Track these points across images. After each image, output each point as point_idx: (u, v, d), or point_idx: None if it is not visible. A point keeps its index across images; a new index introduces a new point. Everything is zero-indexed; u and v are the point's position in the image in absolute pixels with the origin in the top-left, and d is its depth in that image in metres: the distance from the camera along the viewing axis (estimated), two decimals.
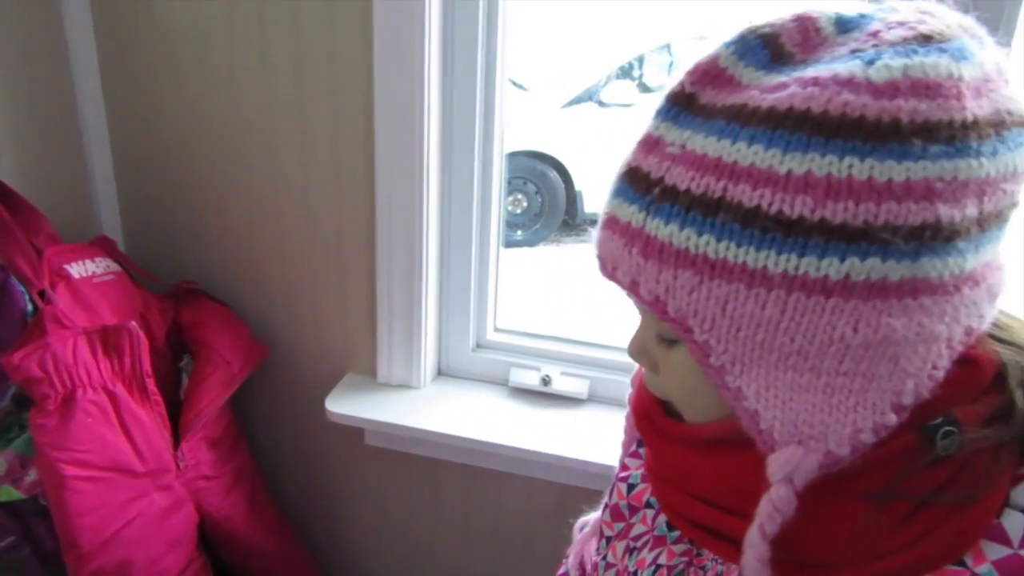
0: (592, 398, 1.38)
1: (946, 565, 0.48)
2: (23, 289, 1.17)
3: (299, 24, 1.24)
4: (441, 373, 1.48)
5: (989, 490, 0.48)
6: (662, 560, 0.65)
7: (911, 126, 0.43)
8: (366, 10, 1.18)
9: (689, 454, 0.59)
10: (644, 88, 4.02)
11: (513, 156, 3.93)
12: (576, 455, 1.25)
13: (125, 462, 1.20)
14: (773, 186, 0.44)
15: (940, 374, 0.47)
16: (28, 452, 1.17)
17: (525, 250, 4.19)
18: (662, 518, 0.67)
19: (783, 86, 0.46)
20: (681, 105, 0.50)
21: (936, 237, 0.44)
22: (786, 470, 0.47)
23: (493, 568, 1.54)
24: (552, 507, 1.41)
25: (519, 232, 4.20)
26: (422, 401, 1.41)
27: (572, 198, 4.14)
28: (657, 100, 0.52)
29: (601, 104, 4.01)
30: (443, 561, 1.57)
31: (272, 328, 1.48)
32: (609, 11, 4.02)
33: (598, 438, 1.28)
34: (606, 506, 0.74)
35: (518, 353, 1.44)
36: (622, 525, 0.71)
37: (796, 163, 0.44)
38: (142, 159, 1.44)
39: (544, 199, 4.13)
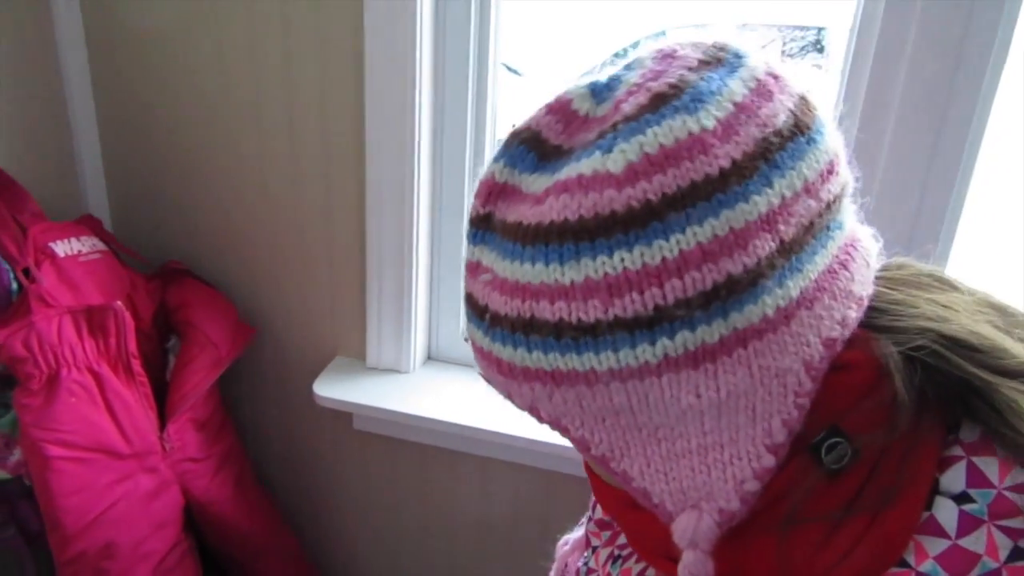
0: None
1: (888, 569, 0.46)
2: (7, 267, 1.16)
3: (287, 7, 1.22)
4: (431, 358, 1.47)
5: (908, 487, 0.47)
6: (650, 573, 0.63)
7: (663, 201, 0.42)
8: None
9: (636, 515, 0.58)
10: None
11: None
12: (564, 442, 1.25)
13: (110, 443, 1.19)
14: (565, 298, 0.45)
15: (806, 401, 0.46)
16: (13, 432, 1.15)
17: None
18: None
19: (544, 196, 0.46)
20: (482, 227, 0.51)
21: (734, 291, 0.43)
22: (687, 537, 0.48)
23: (480, 553, 1.53)
24: (539, 493, 1.40)
25: None
26: (411, 386, 1.40)
27: None
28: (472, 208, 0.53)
29: None
30: (431, 545, 1.57)
31: (260, 310, 1.47)
32: None
33: None
34: (591, 519, 0.73)
35: None
36: (608, 534, 0.70)
37: (574, 272, 0.44)
38: (129, 137, 1.42)
39: None
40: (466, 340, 0.55)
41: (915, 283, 0.52)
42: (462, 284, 0.54)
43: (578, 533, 0.79)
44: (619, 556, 0.67)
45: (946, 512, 0.46)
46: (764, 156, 0.44)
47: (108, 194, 1.48)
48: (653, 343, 0.44)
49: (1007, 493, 0.45)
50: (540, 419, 0.51)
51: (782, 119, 0.45)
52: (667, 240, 0.42)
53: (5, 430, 1.16)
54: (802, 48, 4.81)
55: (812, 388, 0.46)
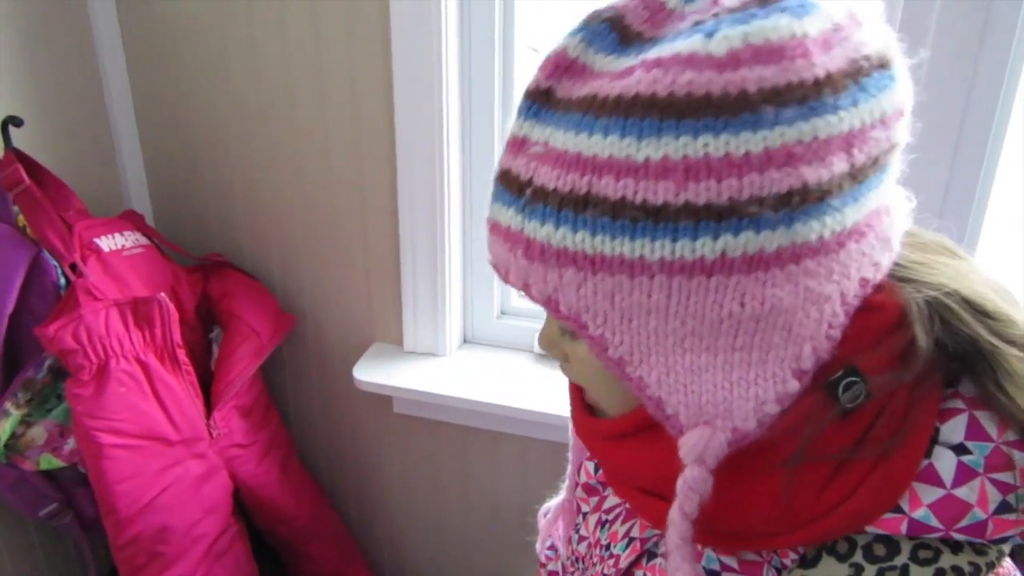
0: None
1: (883, 514, 0.48)
2: (55, 263, 1.19)
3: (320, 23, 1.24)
4: (467, 341, 1.49)
5: (912, 433, 0.48)
6: (635, 533, 0.64)
7: (760, 94, 0.42)
8: None
9: (617, 448, 0.59)
10: None
11: None
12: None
13: (159, 430, 1.23)
14: (634, 175, 0.43)
15: (837, 332, 0.47)
16: (66, 421, 1.20)
17: None
18: None
19: (629, 71, 0.45)
20: (540, 101, 0.50)
21: (806, 200, 0.43)
22: (696, 451, 0.47)
23: (521, 532, 1.55)
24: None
25: None
26: (449, 368, 1.41)
27: None
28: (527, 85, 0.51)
29: None
30: (473, 524, 1.59)
31: (299, 298, 1.50)
32: None
33: None
34: (577, 484, 0.74)
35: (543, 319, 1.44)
36: (596, 499, 0.71)
37: (652, 149, 0.43)
38: (167, 133, 1.46)
39: None
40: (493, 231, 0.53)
41: (931, 248, 0.53)
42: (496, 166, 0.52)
43: (558, 499, 0.79)
44: (606, 520, 0.68)
45: (945, 461, 0.47)
46: (855, 76, 0.44)
47: (149, 189, 1.52)
48: (716, 237, 0.43)
49: (1004, 447, 0.47)
50: (556, 311, 0.49)
51: (872, 48, 0.45)
52: (755, 134, 0.42)
53: (59, 420, 1.20)
54: None
55: (843, 321, 0.47)
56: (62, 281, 1.20)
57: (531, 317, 1.45)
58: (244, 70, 1.34)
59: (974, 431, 0.48)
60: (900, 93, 0.47)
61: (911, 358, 0.48)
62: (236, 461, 1.35)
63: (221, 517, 1.31)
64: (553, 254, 0.47)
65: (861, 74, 0.44)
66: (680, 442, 0.49)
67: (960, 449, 0.47)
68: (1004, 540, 0.47)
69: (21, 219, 1.19)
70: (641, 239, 0.44)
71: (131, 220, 1.38)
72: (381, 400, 1.49)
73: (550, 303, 0.49)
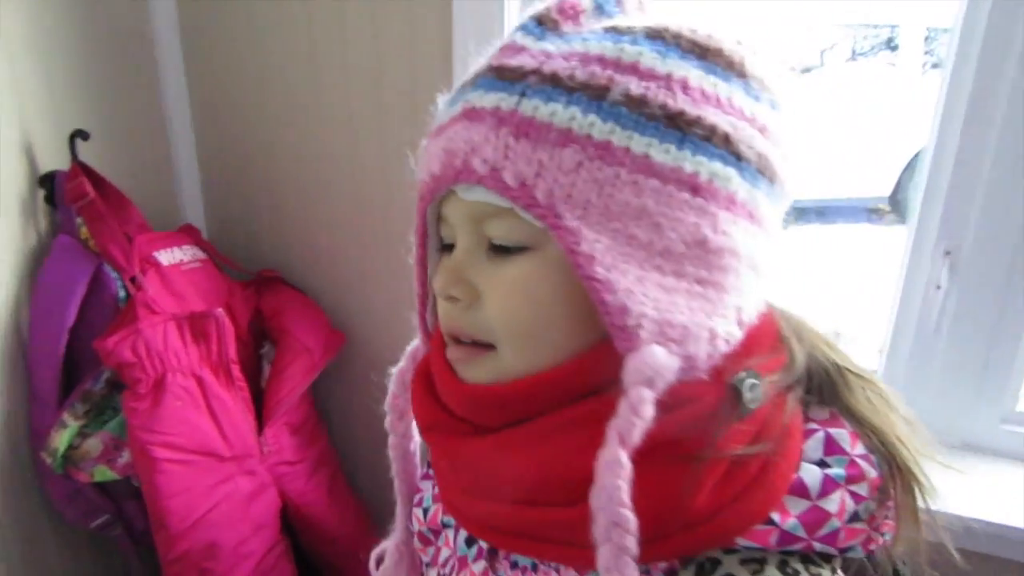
0: None
1: (763, 519, 0.48)
2: (115, 275, 1.20)
3: (378, 20, 1.24)
4: None
5: (789, 443, 0.49)
6: None
7: (753, 75, 0.50)
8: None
9: (497, 451, 0.53)
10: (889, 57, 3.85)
11: None
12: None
13: (212, 446, 1.22)
14: (656, 80, 0.46)
15: (762, 307, 0.52)
16: (122, 434, 1.20)
17: None
18: (462, 535, 0.62)
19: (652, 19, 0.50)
20: (547, 26, 0.51)
21: (771, 175, 0.50)
22: (649, 370, 0.45)
23: None
24: None
25: None
26: None
27: None
28: (519, 21, 0.53)
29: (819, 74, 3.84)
30: None
31: (348, 316, 1.50)
32: None
33: None
34: (412, 533, 0.69)
35: None
36: (432, 550, 0.67)
37: (675, 67, 0.47)
38: (225, 150, 1.47)
39: None
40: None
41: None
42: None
43: (390, 542, 0.72)
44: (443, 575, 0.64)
45: (811, 474, 0.49)
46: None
47: (204, 203, 1.53)
48: (710, 159, 0.47)
49: (858, 460, 0.50)
50: (529, 199, 0.47)
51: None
52: (756, 103, 0.50)
53: (114, 432, 1.20)
54: (873, 47, 4.70)
55: (759, 308, 0.52)
56: (122, 294, 1.21)
57: None
58: (303, 83, 1.35)
59: (830, 447, 0.50)
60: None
61: (790, 368, 0.52)
62: (285, 478, 1.35)
63: (269, 535, 1.30)
64: (552, 132, 0.46)
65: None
66: (629, 360, 0.46)
67: (822, 464, 0.50)
68: (849, 549, 0.50)
69: (84, 231, 1.20)
70: (651, 137, 0.46)
71: (188, 234, 1.39)
72: None
73: (523, 189, 0.47)
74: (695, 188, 0.46)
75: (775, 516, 0.47)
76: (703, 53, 0.48)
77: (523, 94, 0.47)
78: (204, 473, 1.22)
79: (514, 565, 0.57)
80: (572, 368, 0.50)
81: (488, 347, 0.53)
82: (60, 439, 1.15)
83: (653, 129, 0.46)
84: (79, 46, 1.27)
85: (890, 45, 4.67)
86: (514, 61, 0.49)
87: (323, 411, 1.53)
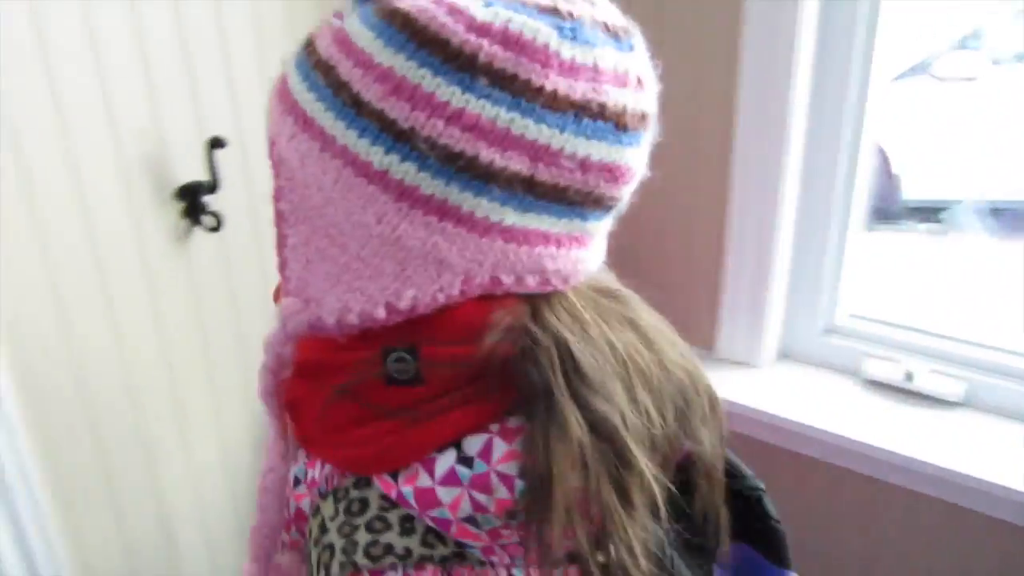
0: (968, 403, 1.22)
1: (382, 473, 0.53)
2: None
3: (665, 27, 1.19)
4: (784, 356, 1.39)
5: (434, 425, 0.52)
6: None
7: (485, 67, 0.47)
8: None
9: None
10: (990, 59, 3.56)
11: None
12: (954, 466, 1.12)
13: None
14: (364, 68, 0.49)
15: (443, 302, 0.51)
16: None
17: None
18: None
19: None
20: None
21: (469, 170, 0.48)
22: (283, 316, 0.56)
23: None
24: (925, 524, 1.26)
25: None
26: (763, 382, 1.32)
27: (888, 182, 3.80)
28: None
29: (936, 77, 3.61)
30: None
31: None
32: None
33: (977, 447, 1.14)
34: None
35: (874, 342, 1.31)
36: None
37: (387, 56, 0.48)
38: None
39: None
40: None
41: (610, 314, 0.56)
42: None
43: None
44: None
45: (444, 461, 0.52)
46: (578, 111, 0.49)
47: None
48: (387, 151, 0.48)
49: (494, 475, 0.51)
50: (271, 152, 0.56)
51: (615, 104, 0.50)
52: (462, 92, 0.47)
53: None
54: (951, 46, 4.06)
55: (454, 300, 0.51)
56: None
57: (861, 338, 1.32)
58: None
59: (485, 452, 0.52)
60: (619, 155, 0.51)
61: (473, 364, 0.51)
62: None
63: None
64: (290, 101, 0.53)
65: (586, 113, 0.49)
66: (281, 302, 0.57)
67: (467, 460, 0.52)
68: (465, 546, 0.53)
69: None
70: (341, 121, 0.50)
71: None
72: None
73: (271, 144, 0.56)
74: (369, 176, 0.49)
75: (401, 476, 0.52)
76: (424, 43, 0.48)
77: (294, 62, 0.55)
78: None
79: None
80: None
81: None
82: None
83: (344, 114, 0.50)
84: (217, 54, 1.29)
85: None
86: (316, 30, 0.55)
87: None
